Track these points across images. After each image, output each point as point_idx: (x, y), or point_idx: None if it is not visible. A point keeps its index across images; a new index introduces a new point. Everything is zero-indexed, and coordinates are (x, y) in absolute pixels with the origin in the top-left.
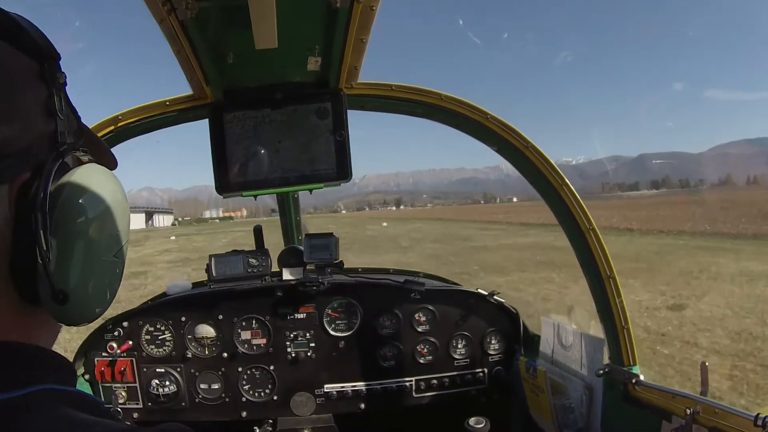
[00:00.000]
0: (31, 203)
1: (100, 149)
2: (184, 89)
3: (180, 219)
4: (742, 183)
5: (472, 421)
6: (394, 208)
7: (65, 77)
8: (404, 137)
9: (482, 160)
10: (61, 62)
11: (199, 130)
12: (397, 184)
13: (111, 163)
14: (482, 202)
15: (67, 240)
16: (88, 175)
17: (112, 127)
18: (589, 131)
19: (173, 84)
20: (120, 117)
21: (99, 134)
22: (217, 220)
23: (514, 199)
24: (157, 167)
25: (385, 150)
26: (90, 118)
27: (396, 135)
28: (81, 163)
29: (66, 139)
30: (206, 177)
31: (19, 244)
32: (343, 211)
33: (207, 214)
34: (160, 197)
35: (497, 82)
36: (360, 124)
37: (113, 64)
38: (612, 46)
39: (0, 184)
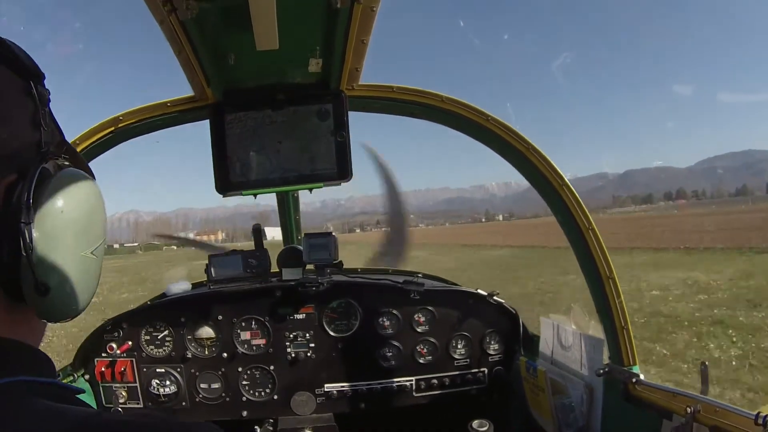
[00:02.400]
0: (15, 202)
1: (79, 163)
2: (185, 90)
3: (119, 245)
4: (762, 192)
5: (475, 424)
6: (389, 229)
7: (49, 94)
8: (390, 158)
9: (466, 179)
10: (45, 81)
11: (192, 147)
12: (383, 205)
13: (88, 174)
14: (483, 220)
15: (48, 235)
16: (68, 178)
17: (113, 128)
18: (574, 150)
19: (175, 85)
20: (121, 118)
21: (100, 135)
22: (174, 247)
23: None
24: (145, 190)
25: (370, 171)
26: (90, 119)
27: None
28: (62, 169)
29: (49, 147)
30: (192, 199)
31: (4, 240)
32: (333, 233)
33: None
34: (146, 220)
35: (490, 98)
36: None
37: (114, 64)
38: (594, 67)
39: None
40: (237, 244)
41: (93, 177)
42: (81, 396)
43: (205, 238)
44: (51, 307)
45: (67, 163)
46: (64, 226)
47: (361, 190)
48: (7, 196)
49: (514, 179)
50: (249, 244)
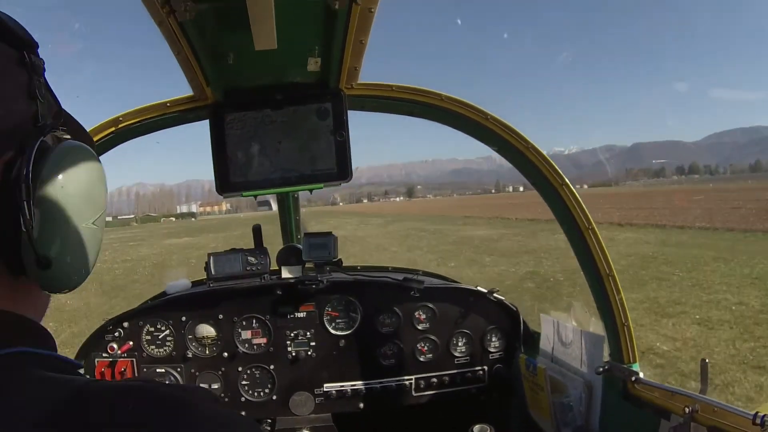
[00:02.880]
0: (15, 179)
1: (78, 131)
2: (185, 90)
3: (111, 218)
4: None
5: (476, 429)
6: (399, 199)
7: (44, 63)
8: (395, 129)
9: (474, 150)
10: (39, 50)
11: (197, 124)
12: (390, 176)
13: (88, 142)
14: (493, 191)
15: (48, 210)
16: (67, 151)
17: (113, 129)
18: (581, 121)
19: (174, 85)
20: (121, 118)
21: (100, 135)
22: (173, 219)
23: (521, 188)
24: (152, 162)
25: (376, 141)
26: (90, 120)
27: (387, 127)
28: (61, 141)
29: (46, 120)
30: (199, 171)
31: (5, 217)
32: (340, 204)
33: (179, 210)
34: (148, 192)
35: (494, 78)
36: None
37: (113, 65)
38: (606, 43)
39: None
40: (239, 215)
41: (93, 144)
42: None
43: (208, 208)
44: (53, 278)
45: (66, 135)
46: (64, 200)
47: (366, 161)
48: (6, 173)
49: None
50: (254, 215)
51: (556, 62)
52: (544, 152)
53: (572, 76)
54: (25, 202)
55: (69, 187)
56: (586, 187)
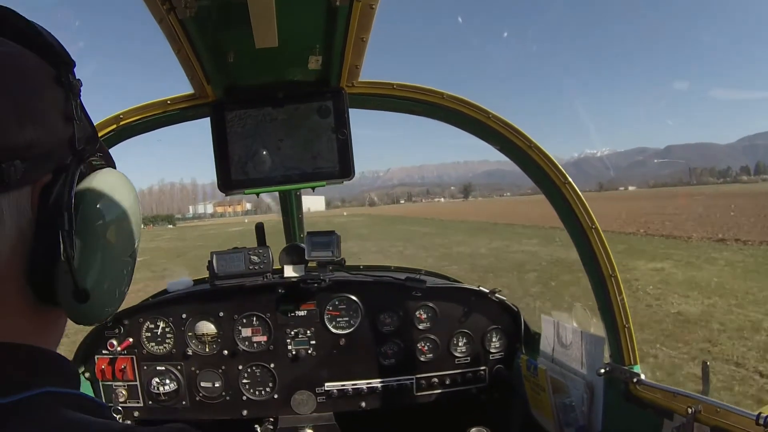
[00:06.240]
0: (53, 204)
1: (109, 157)
2: (186, 88)
3: None
4: None
5: (473, 431)
6: (442, 200)
7: (81, 83)
8: (428, 130)
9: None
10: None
11: (205, 128)
12: (422, 177)
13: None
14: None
15: (88, 240)
16: (106, 179)
17: (114, 126)
18: (613, 123)
19: (175, 83)
20: (121, 116)
21: (101, 132)
22: (142, 226)
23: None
24: (172, 164)
25: (407, 142)
26: (91, 118)
27: (420, 128)
28: (93, 167)
29: (83, 144)
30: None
31: (41, 244)
32: (378, 204)
33: (191, 210)
34: (168, 192)
35: (498, 80)
36: (381, 124)
37: (114, 63)
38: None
39: (23, 185)
40: (244, 220)
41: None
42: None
43: (219, 209)
44: (87, 312)
45: (101, 162)
46: (104, 232)
47: (399, 162)
48: (43, 198)
49: (556, 153)
50: (262, 219)
51: (575, 63)
52: (547, 151)
53: (596, 78)
54: (66, 232)
55: (108, 217)
56: (632, 188)
